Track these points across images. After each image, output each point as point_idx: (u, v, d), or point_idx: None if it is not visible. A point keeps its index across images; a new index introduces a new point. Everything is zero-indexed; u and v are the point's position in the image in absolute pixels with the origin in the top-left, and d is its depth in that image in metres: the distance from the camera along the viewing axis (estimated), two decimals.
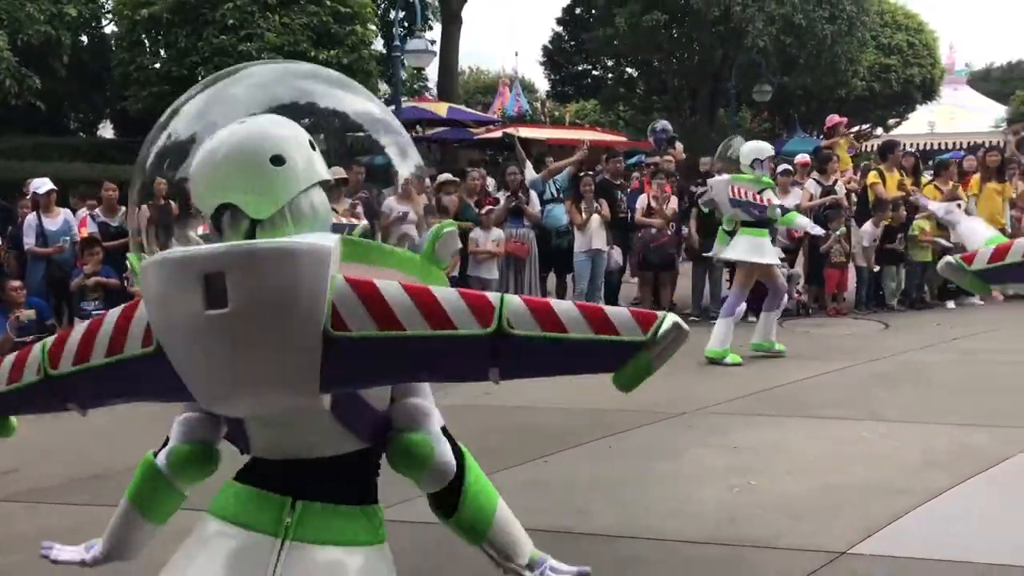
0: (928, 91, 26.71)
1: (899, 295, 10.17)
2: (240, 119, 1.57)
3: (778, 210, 7.43)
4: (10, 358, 1.66)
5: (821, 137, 12.47)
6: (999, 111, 33.63)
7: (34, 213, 8.86)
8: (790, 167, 10.64)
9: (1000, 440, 4.83)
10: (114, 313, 1.56)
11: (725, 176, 7.39)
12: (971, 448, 4.72)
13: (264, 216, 1.49)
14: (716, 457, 4.78)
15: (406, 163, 1.86)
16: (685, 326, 1.47)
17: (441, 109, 20.25)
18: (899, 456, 4.64)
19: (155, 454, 1.84)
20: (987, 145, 12.74)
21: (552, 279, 10.21)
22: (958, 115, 26.66)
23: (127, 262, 1.76)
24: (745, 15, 19.06)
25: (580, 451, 4.96)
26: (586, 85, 25.41)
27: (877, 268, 10.05)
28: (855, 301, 10.17)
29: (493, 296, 1.47)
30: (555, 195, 9.77)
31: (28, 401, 1.69)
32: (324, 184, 1.60)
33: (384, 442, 1.71)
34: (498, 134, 19.75)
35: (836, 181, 10.36)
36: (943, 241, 10.24)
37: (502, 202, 9.51)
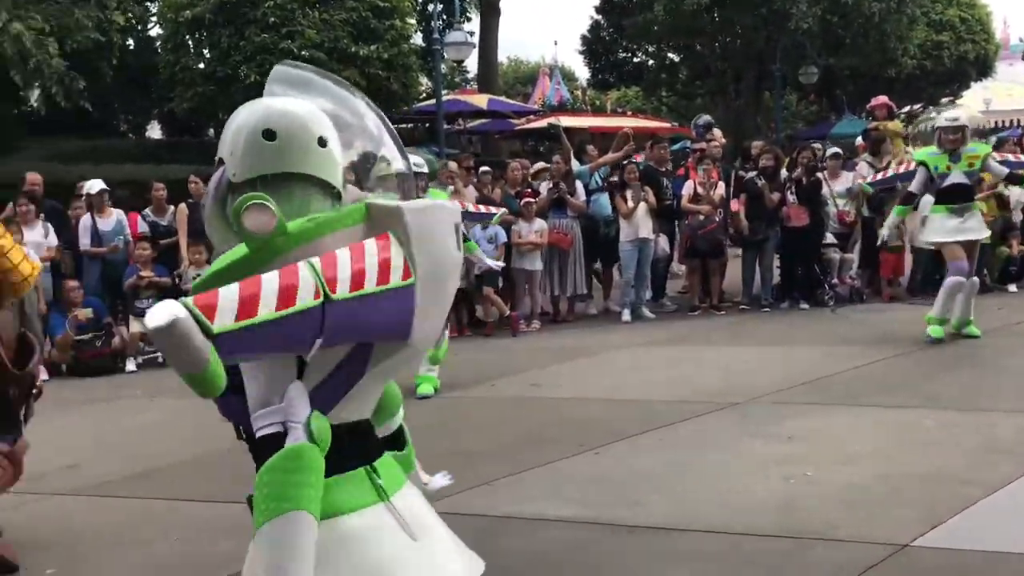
0: (983, 68, 25.91)
1: None
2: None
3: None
4: (270, 280, 1.47)
5: (869, 119, 12.15)
6: None
7: (88, 214, 9.04)
8: (839, 151, 10.42)
9: None
10: (374, 244, 1.59)
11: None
12: None
13: None
14: (771, 447, 4.69)
15: (349, 152, 1.85)
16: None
17: (482, 101, 20.23)
18: (961, 445, 4.50)
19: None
20: None
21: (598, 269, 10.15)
22: (1015, 92, 25.87)
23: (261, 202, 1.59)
24: None
25: (632, 443, 4.90)
26: (627, 72, 25.10)
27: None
28: (910, 286, 9.92)
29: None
30: (601, 184, 9.69)
31: (284, 334, 1.50)
32: (330, 188, 1.77)
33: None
34: (539, 124, 19.69)
35: (889, 163, 10.11)
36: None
37: (544, 193, 9.46)
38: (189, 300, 1.41)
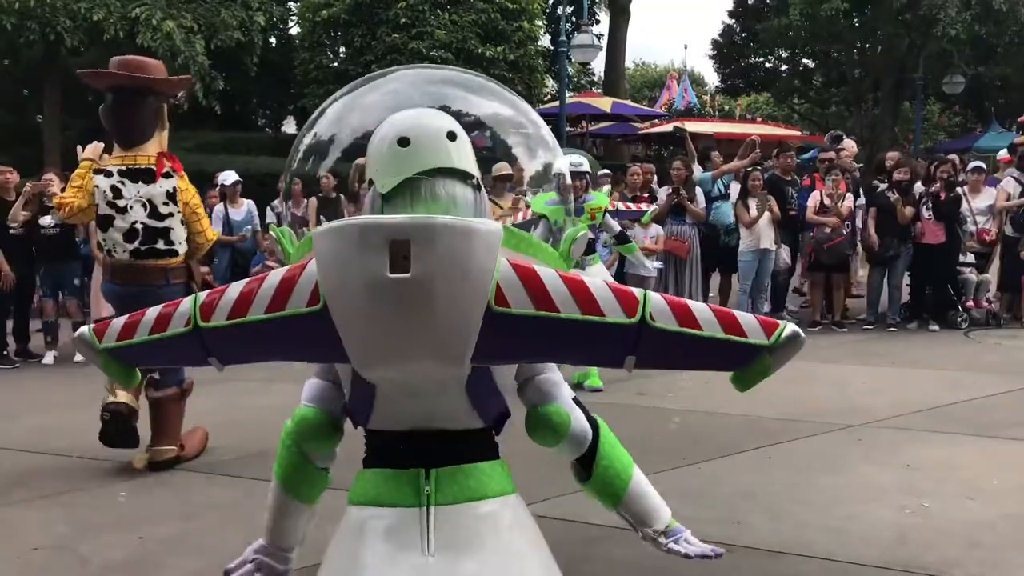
0: None
1: None
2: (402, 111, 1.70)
3: None
4: (154, 310, 1.73)
5: (1020, 132, 11.41)
6: None
7: (221, 204, 9.51)
8: (982, 164, 9.82)
9: None
10: (277, 274, 1.62)
11: None
12: None
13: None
14: (886, 475, 4.45)
15: (534, 161, 1.99)
16: (803, 335, 1.59)
17: (605, 104, 20.15)
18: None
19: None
20: None
21: (716, 278, 9.91)
22: None
23: (271, 234, 1.94)
24: (935, 1, 17.77)
25: (737, 459, 4.75)
26: (757, 78, 24.51)
27: None
28: None
29: (637, 291, 1.58)
30: (723, 191, 9.47)
31: (166, 351, 1.77)
32: (468, 177, 1.67)
33: (500, 428, 1.77)
34: (663, 129, 19.44)
35: None
36: None
37: (662, 198, 9.31)
38: (91, 326, 1.83)
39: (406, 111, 1.69)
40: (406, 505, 1.66)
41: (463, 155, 1.65)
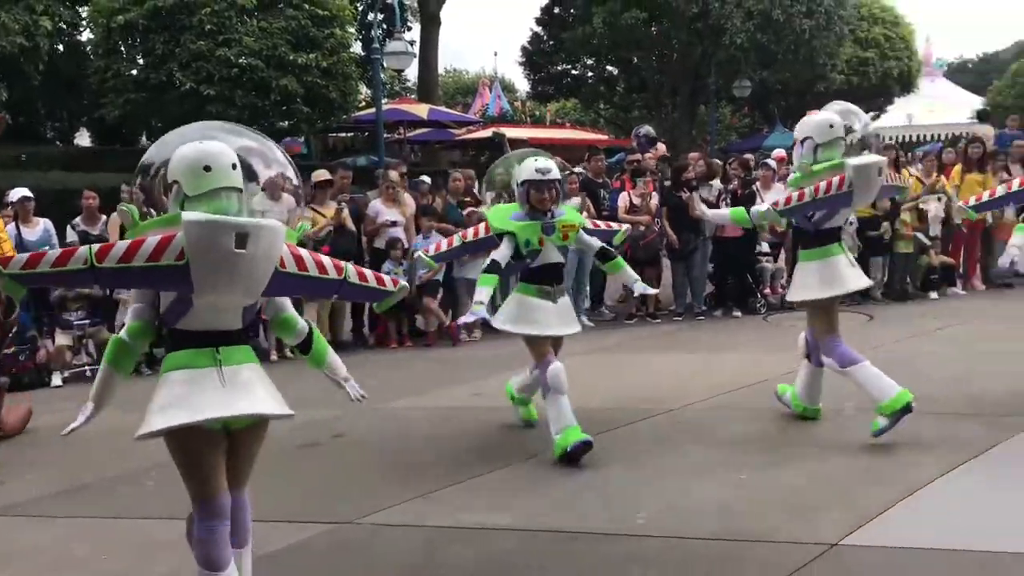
0: (906, 84, 26.84)
1: (883, 287, 10.24)
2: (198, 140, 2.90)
3: None
4: (55, 252, 2.68)
5: None
6: (976, 103, 33.91)
7: (13, 223, 8.75)
8: (771, 162, 10.69)
9: (986, 427, 4.88)
10: (154, 239, 2.65)
11: None
12: (958, 436, 4.76)
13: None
14: (707, 452, 4.79)
15: (269, 170, 3.12)
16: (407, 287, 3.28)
17: (422, 111, 20.21)
18: (886, 446, 4.66)
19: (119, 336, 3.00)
20: (967, 136, 12.83)
21: None
22: (936, 107, 26.75)
23: (123, 208, 2.95)
24: (723, 12, 19.11)
25: None
26: (566, 84, 25.33)
27: (859, 251, 9.75)
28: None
29: (340, 262, 3.09)
30: None
31: (63, 280, 3.34)
32: (240, 191, 2.86)
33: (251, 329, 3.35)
34: (480, 134, 19.76)
35: None
36: (922, 237, 10.40)
37: (489, 202, 9.47)
38: None
39: (207, 143, 2.85)
40: (206, 366, 2.86)
41: (237, 178, 2.83)
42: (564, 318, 5.07)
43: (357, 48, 19.34)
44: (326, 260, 3.01)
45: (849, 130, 4.94)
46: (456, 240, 5.38)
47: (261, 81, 14.42)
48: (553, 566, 3.53)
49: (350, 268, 3.06)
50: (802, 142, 4.96)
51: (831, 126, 4.88)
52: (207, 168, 2.75)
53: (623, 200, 9.80)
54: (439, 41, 23.61)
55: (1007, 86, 34.30)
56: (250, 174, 2.94)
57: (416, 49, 22.06)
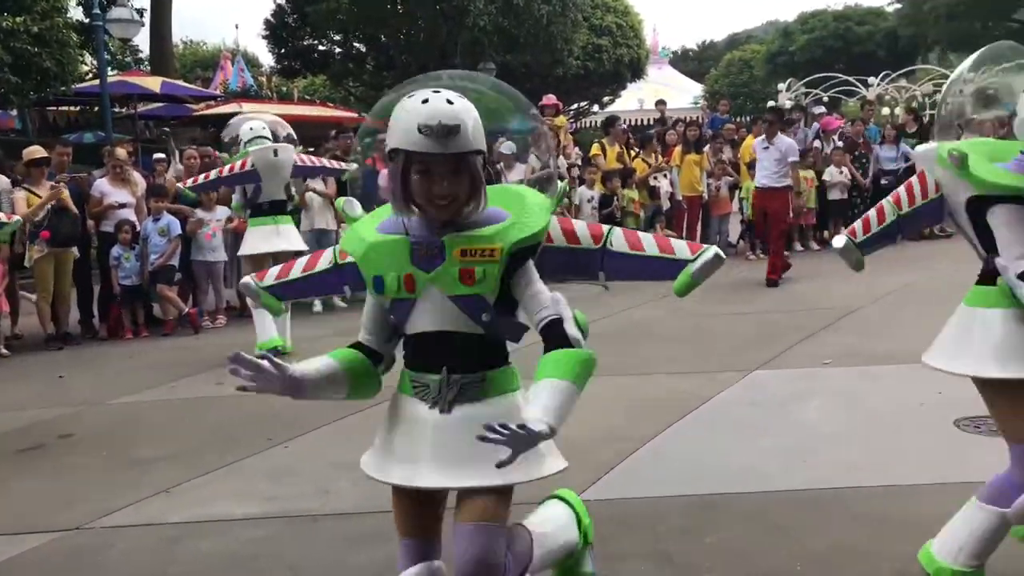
0: (636, 70, 28.83)
1: None
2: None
3: None
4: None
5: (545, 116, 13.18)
6: (697, 89, 37.22)
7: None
8: (512, 144, 11.10)
9: (706, 383, 5.43)
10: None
11: None
12: (682, 392, 5.26)
13: None
14: None
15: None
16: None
17: (155, 84, 18.81)
18: (622, 405, 5.04)
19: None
20: (687, 120, 14.05)
21: None
22: (663, 93, 28.95)
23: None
24: None
25: (318, 434, 4.91)
26: (314, 60, 24.65)
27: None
28: None
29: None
30: None
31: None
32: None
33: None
34: (221, 110, 18.77)
35: (558, 156, 11.00)
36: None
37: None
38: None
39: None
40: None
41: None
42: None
43: (78, 14, 17.63)
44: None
45: None
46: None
47: None
48: (295, 550, 3.49)
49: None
50: None
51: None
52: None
53: (383, 180, 9.78)
54: (172, 10, 22.09)
55: (722, 75, 37.99)
56: None
57: (147, 18, 20.52)
